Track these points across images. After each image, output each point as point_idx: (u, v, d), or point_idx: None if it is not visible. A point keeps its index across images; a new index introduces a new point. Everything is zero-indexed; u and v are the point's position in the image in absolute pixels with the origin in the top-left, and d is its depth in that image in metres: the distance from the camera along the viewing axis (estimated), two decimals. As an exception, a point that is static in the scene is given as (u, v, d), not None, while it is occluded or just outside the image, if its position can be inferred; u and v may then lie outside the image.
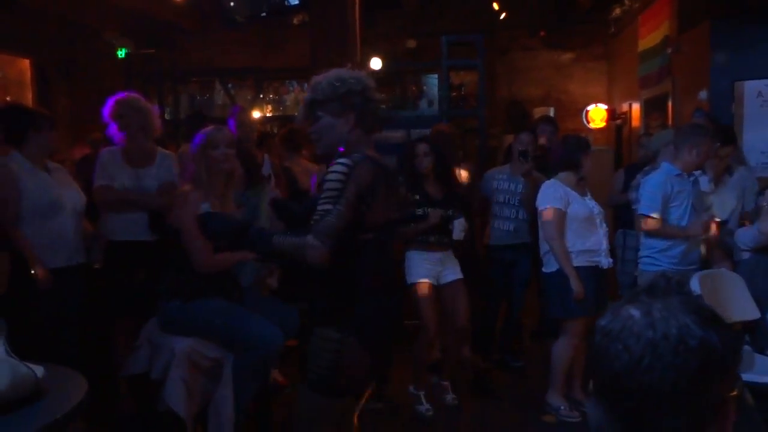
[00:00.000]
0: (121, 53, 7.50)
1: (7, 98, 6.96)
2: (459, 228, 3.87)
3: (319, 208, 2.15)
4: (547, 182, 3.86)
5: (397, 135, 5.88)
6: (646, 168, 4.46)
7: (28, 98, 7.07)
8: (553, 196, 3.76)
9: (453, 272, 4.00)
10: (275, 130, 6.67)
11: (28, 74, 7.25)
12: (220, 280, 3.16)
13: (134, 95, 3.85)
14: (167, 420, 2.87)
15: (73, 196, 3.53)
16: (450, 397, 4.07)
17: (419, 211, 3.89)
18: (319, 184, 2.32)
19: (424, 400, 3.96)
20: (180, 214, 3.07)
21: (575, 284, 3.64)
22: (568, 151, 3.89)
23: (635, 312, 0.93)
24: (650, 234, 3.74)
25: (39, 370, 1.39)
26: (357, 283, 2.27)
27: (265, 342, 2.98)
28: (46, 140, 3.44)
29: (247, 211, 3.68)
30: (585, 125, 8.77)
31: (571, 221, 3.75)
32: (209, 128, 3.19)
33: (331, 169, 2.20)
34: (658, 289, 0.96)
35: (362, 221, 2.23)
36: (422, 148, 3.96)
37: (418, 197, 3.93)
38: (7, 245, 3.15)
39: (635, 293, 0.97)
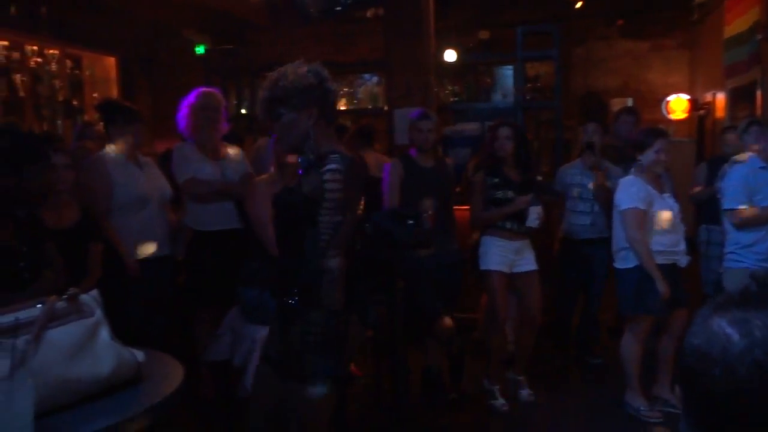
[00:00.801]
0: (200, 50, 7.71)
1: (95, 95, 7.29)
2: (534, 215, 3.80)
3: (326, 219, 2.17)
4: (629, 180, 3.74)
5: (471, 127, 5.85)
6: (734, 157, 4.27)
7: (114, 94, 7.37)
8: (637, 195, 3.65)
9: (528, 262, 3.94)
10: (348, 124, 6.73)
11: (114, 72, 7.55)
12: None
13: (212, 90, 3.97)
14: (247, 406, 2.95)
15: (160, 189, 3.67)
16: (526, 392, 4.02)
17: (498, 194, 3.87)
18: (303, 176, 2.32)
19: (498, 395, 3.93)
20: (254, 205, 3.14)
21: (661, 285, 3.53)
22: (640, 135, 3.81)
23: (731, 332, 0.86)
24: (745, 224, 3.60)
25: (139, 355, 1.44)
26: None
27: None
28: (137, 134, 3.60)
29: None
30: (665, 116, 8.46)
31: (652, 221, 3.65)
32: None
33: (325, 177, 2.19)
34: (751, 298, 0.87)
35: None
36: (505, 131, 3.90)
37: (497, 180, 3.90)
38: (101, 236, 3.30)
39: (725, 303, 0.89)
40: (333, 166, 2.19)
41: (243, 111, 7.15)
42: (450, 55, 6.21)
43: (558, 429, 3.76)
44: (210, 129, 3.82)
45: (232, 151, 3.94)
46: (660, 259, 3.61)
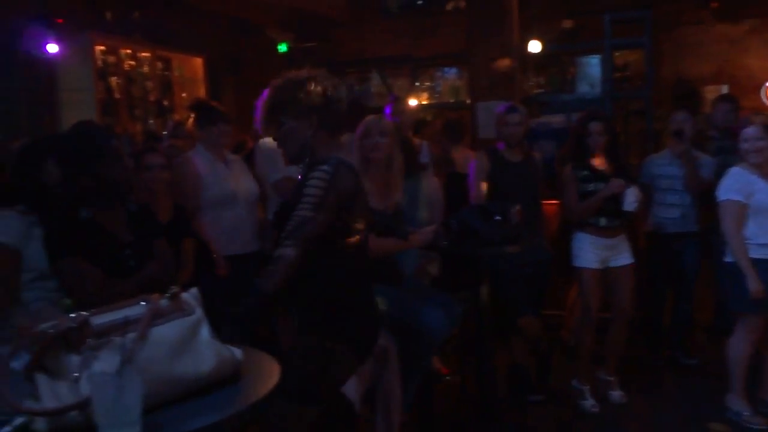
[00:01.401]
0: (282, 47, 7.84)
1: (183, 94, 7.54)
2: (631, 198, 3.65)
3: (298, 213, 2.07)
4: (732, 170, 3.55)
5: (556, 119, 5.69)
6: None
7: (201, 94, 7.59)
8: (734, 186, 3.46)
9: (623, 257, 3.81)
10: (430, 118, 6.68)
11: (201, 71, 7.78)
12: (381, 267, 3.21)
13: None
14: (336, 400, 2.97)
15: (248, 187, 3.74)
16: (617, 394, 3.88)
17: (590, 187, 3.75)
18: (298, 188, 2.19)
19: (588, 396, 3.81)
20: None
21: (752, 283, 3.34)
22: None
23: None
24: None
25: (238, 353, 1.46)
26: (343, 290, 2.23)
27: (430, 330, 3.00)
28: (223, 133, 3.68)
29: (406, 198, 3.71)
30: (765, 103, 7.98)
31: (754, 212, 3.44)
32: (368, 118, 3.25)
33: (312, 174, 2.12)
34: None
35: (346, 227, 2.19)
36: (596, 126, 3.77)
37: (586, 173, 3.78)
38: (193, 233, 3.39)
39: None
40: (324, 167, 2.13)
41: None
42: (535, 46, 6.06)
43: (652, 432, 3.62)
44: None
45: None
46: (764, 253, 3.40)
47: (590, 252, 3.76)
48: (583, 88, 6.11)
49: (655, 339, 4.57)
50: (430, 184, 3.88)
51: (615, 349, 3.93)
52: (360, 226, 2.27)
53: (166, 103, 7.61)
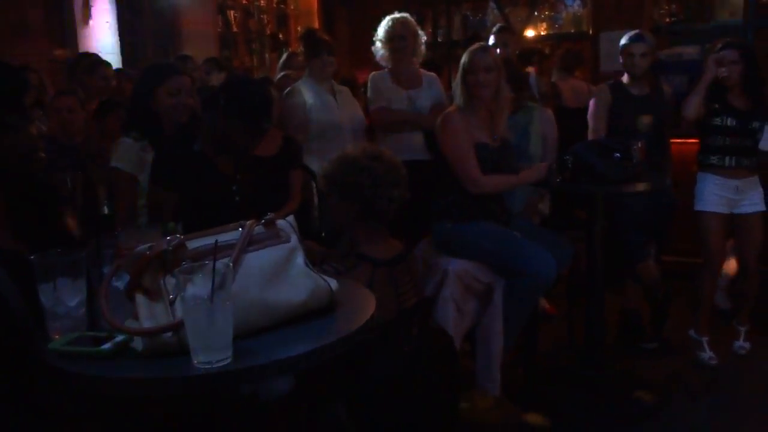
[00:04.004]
0: (396, -21, 7.63)
1: (298, 27, 7.57)
2: None
3: None
4: None
5: (688, 50, 5.23)
6: None
7: (315, 26, 7.58)
8: None
9: (752, 203, 3.48)
10: (547, 51, 6.34)
11: (315, 4, 7.75)
12: (490, 204, 3.11)
13: (408, 16, 3.87)
14: (436, 337, 2.95)
15: (353, 117, 3.71)
16: (739, 344, 3.63)
17: (716, 121, 3.43)
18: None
19: (707, 347, 3.58)
20: (447, 136, 3.05)
21: None
22: None
23: None
24: None
25: (333, 283, 1.43)
26: None
27: (537, 270, 2.88)
28: (329, 64, 3.65)
29: (517, 133, 3.55)
30: None
31: None
32: (473, 48, 3.08)
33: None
34: None
35: None
36: (731, 54, 3.41)
37: (717, 106, 3.44)
38: (301, 163, 3.41)
39: None
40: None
41: (438, 39, 7.01)
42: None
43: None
44: (403, 57, 3.76)
45: (427, 80, 3.86)
46: None
47: (713, 194, 3.46)
48: (721, 16, 5.55)
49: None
50: (543, 118, 3.68)
51: (745, 301, 3.65)
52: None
53: (281, 36, 7.68)
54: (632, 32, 3.63)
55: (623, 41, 3.62)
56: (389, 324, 2.16)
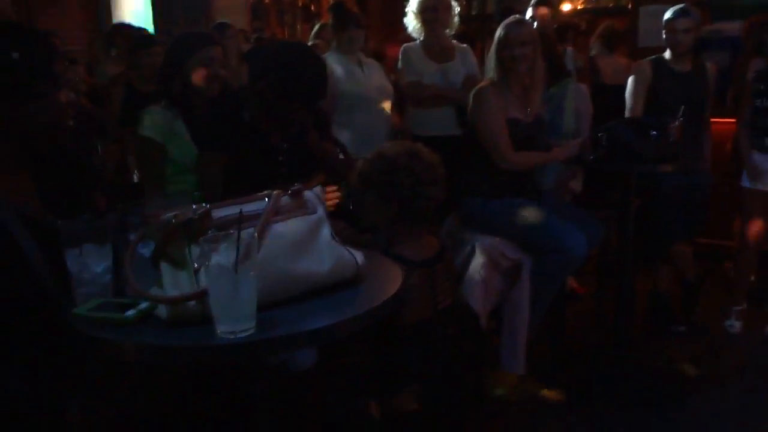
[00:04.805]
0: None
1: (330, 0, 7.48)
2: None
3: None
4: None
5: (730, 26, 5.05)
6: None
7: (346, -2, 7.50)
8: None
9: None
10: (584, 26, 6.19)
11: (348, -25, 7.65)
12: (520, 181, 3.06)
13: None
14: (462, 313, 2.93)
15: (380, 89, 3.67)
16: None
17: (757, 102, 3.37)
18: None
19: (734, 316, 3.59)
20: (479, 111, 2.99)
21: None
22: None
23: None
24: None
25: (359, 256, 1.41)
26: None
27: (566, 248, 2.84)
28: (356, 38, 3.61)
29: (551, 108, 3.48)
30: None
31: None
32: (508, 21, 3.01)
33: None
34: None
35: None
36: None
37: (762, 87, 3.37)
38: (330, 135, 3.38)
39: None
40: None
41: (472, 12, 6.88)
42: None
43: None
44: (436, 29, 3.69)
45: (459, 52, 3.79)
46: None
47: (755, 170, 3.40)
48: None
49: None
50: (578, 94, 3.60)
51: None
52: None
53: (313, 8, 7.61)
54: (677, 6, 3.51)
55: (667, 15, 3.50)
56: (425, 324, 2.14)
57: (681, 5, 3.53)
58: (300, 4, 7.63)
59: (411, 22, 3.74)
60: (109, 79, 4.23)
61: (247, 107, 2.44)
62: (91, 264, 1.36)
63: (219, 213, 1.29)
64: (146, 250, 1.31)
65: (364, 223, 2.28)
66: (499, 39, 2.96)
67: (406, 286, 1.56)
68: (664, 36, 3.54)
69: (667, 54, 3.55)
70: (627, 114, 3.59)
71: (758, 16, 4.13)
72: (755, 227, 3.53)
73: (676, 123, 2.96)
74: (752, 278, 3.92)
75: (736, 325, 3.62)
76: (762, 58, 3.56)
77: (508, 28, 2.95)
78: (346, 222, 2.32)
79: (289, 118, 2.39)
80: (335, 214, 2.17)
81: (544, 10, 4.37)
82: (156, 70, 2.87)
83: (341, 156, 3.51)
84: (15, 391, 1.40)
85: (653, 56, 3.63)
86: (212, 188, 2.31)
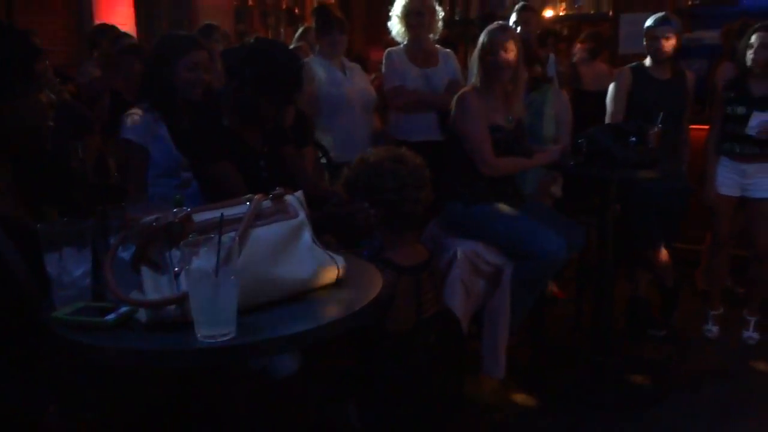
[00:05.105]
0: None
1: (314, 2, 7.48)
2: (755, 122, 3.30)
3: None
4: None
5: (710, 35, 5.12)
6: None
7: (331, 2, 7.50)
8: None
9: (761, 189, 3.45)
10: (566, 32, 6.25)
11: (332, -21, 7.65)
12: (501, 186, 3.08)
13: None
14: (443, 317, 2.94)
15: (363, 94, 3.67)
16: (748, 334, 3.60)
17: (728, 110, 3.42)
18: None
19: (710, 321, 3.65)
20: (462, 116, 3.01)
21: None
22: None
23: None
24: None
25: (339, 260, 1.42)
26: None
27: (547, 252, 2.86)
28: (339, 42, 3.63)
29: (530, 113, 3.51)
30: None
31: None
32: (491, 27, 3.03)
33: None
34: None
35: None
36: (763, 37, 3.33)
37: (732, 95, 3.42)
38: (312, 138, 3.39)
39: None
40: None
41: (456, 17, 6.92)
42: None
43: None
44: (420, 34, 3.70)
45: (442, 57, 3.80)
46: None
47: (725, 176, 3.47)
48: (748, 1, 5.42)
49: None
50: (558, 100, 3.64)
51: (756, 289, 3.63)
52: None
53: (297, 11, 7.60)
54: (658, 15, 3.55)
55: (648, 23, 3.55)
56: (407, 333, 2.14)
57: (662, 13, 3.58)
58: (284, 7, 7.63)
59: (395, 25, 3.75)
60: (90, 80, 4.20)
61: (225, 111, 2.41)
62: (71, 267, 1.35)
63: (200, 217, 1.29)
64: (126, 254, 1.31)
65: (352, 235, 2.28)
66: (483, 45, 2.98)
67: (393, 292, 1.56)
68: (644, 43, 3.58)
69: (648, 61, 3.59)
70: (607, 120, 3.63)
71: (735, 23, 4.18)
72: (723, 232, 3.59)
73: (655, 129, 3.00)
74: (728, 282, 3.99)
75: (713, 329, 3.67)
76: (733, 64, 3.61)
77: (491, 33, 2.97)
78: (332, 235, 2.31)
79: (265, 114, 2.35)
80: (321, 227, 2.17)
81: (529, 15, 4.41)
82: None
83: (323, 160, 3.52)
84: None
85: (634, 63, 3.68)
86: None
